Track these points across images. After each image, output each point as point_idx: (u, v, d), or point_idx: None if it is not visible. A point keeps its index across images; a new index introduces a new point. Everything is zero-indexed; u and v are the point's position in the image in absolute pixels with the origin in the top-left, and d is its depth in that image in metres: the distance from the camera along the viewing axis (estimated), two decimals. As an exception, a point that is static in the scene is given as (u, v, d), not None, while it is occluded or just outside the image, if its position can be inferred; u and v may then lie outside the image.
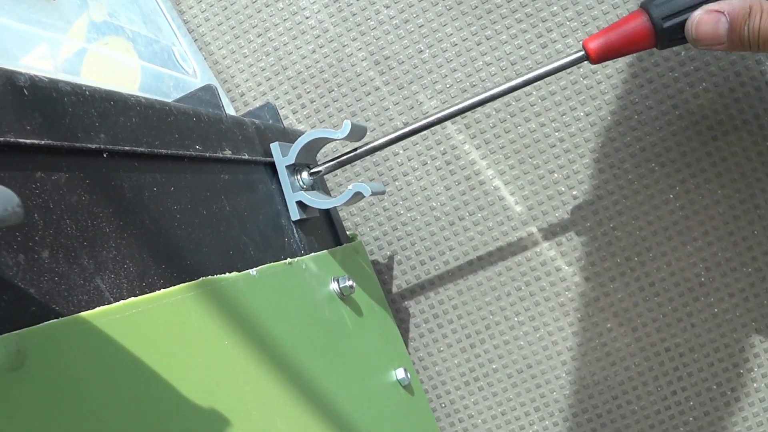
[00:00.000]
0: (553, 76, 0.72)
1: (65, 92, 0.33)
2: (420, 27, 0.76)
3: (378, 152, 0.73)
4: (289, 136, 0.63)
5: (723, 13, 0.51)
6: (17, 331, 0.27)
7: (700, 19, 0.52)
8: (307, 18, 0.78)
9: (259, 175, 0.55)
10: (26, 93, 0.31)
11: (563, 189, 0.75)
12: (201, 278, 0.41)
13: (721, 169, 0.72)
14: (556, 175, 0.75)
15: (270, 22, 0.78)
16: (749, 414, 0.75)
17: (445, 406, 0.81)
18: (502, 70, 0.75)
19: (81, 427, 0.29)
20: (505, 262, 0.77)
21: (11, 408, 0.26)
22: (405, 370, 0.66)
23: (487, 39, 0.75)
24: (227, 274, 0.43)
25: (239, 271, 0.45)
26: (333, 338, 0.56)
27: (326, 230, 0.66)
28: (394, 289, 0.80)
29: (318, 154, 0.66)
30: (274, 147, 0.58)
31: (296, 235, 0.58)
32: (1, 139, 0.29)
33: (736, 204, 0.72)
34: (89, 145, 0.34)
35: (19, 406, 0.27)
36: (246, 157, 0.53)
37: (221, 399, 0.38)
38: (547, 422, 0.79)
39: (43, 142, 0.31)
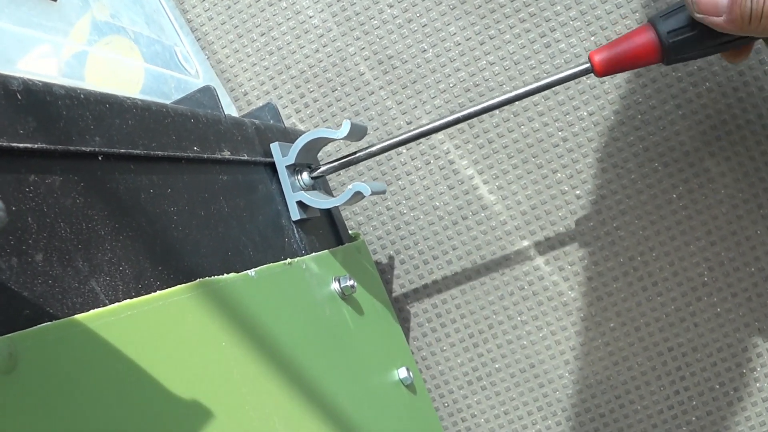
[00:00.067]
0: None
1: (59, 96, 0.34)
2: (423, 26, 0.76)
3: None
4: (289, 136, 0.63)
5: None
6: (10, 335, 0.27)
7: None
8: (310, 17, 0.78)
9: (258, 175, 0.55)
10: (19, 97, 0.31)
11: (566, 188, 0.75)
12: (198, 279, 0.41)
13: (724, 168, 0.72)
14: (559, 174, 0.75)
15: (273, 22, 0.78)
16: (752, 413, 0.75)
17: (448, 405, 0.81)
18: (506, 70, 0.75)
19: (75, 430, 0.29)
20: (508, 261, 0.77)
21: (4, 412, 0.26)
22: (407, 369, 0.66)
23: (491, 38, 0.74)
24: (225, 275, 0.43)
25: (238, 272, 0.45)
26: (334, 338, 0.56)
27: (327, 230, 0.66)
28: (397, 288, 0.80)
29: (320, 154, 0.66)
30: (274, 147, 0.58)
31: (297, 235, 0.58)
32: (-6, 143, 0.29)
33: (739, 204, 0.72)
34: (84, 148, 0.35)
35: (11, 409, 0.27)
36: (245, 157, 0.53)
37: (219, 402, 0.38)
38: (549, 421, 0.79)
39: (36, 145, 0.31)
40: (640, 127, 0.73)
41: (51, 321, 0.30)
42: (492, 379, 0.79)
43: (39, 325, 0.29)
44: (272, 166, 0.58)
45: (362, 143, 0.74)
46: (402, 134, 0.58)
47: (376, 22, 0.77)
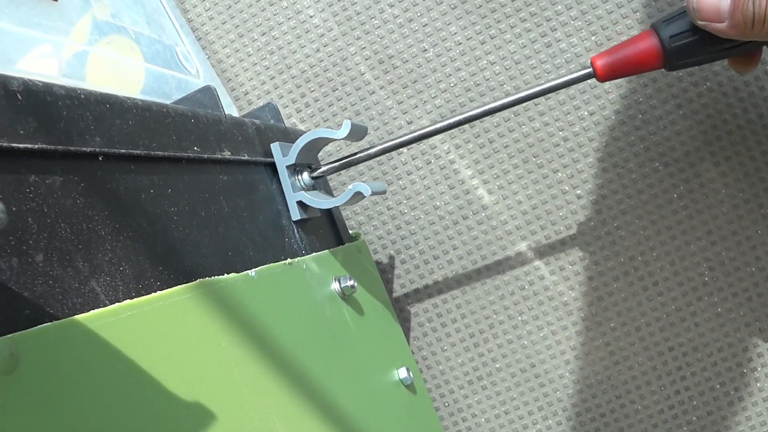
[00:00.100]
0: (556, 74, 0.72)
1: (59, 96, 0.34)
2: (424, 26, 0.76)
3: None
4: (290, 136, 0.63)
5: None
6: (11, 335, 0.27)
7: None
8: (310, 17, 0.78)
9: (259, 175, 0.55)
10: (20, 97, 0.31)
11: (567, 188, 0.75)
12: (199, 280, 0.41)
13: (724, 168, 0.72)
14: (559, 174, 0.75)
15: (273, 21, 0.78)
16: (752, 413, 0.75)
17: (449, 405, 0.81)
18: (506, 69, 0.75)
19: (76, 430, 0.29)
20: (508, 260, 0.77)
21: (4, 412, 0.26)
22: (408, 369, 0.66)
23: (491, 38, 0.74)
24: (225, 275, 0.43)
25: (238, 272, 0.45)
26: (334, 338, 0.56)
27: (328, 230, 0.66)
28: (397, 288, 0.80)
29: (320, 154, 0.66)
30: (275, 147, 0.58)
31: (297, 235, 0.58)
32: (-6, 143, 0.29)
33: (740, 204, 0.72)
34: (84, 149, 0.35)
35: (12, 410, 0.27)
36: (246, 157, 0.53)
37: (219, 403, 0.38)
38: (550, 421, 0.79)
39: (36, 146, 0.31)
40: (640, 127, 0.73)
41: (51, 321, 0.30)
42: (492, 378, 0.79)
43: (40, 326, 0.29)
44: (273, 166, 0.58)
45: (362, 143, 0.74)
46: (403, 136, 0.58)
47: (376, 21, 0.77)
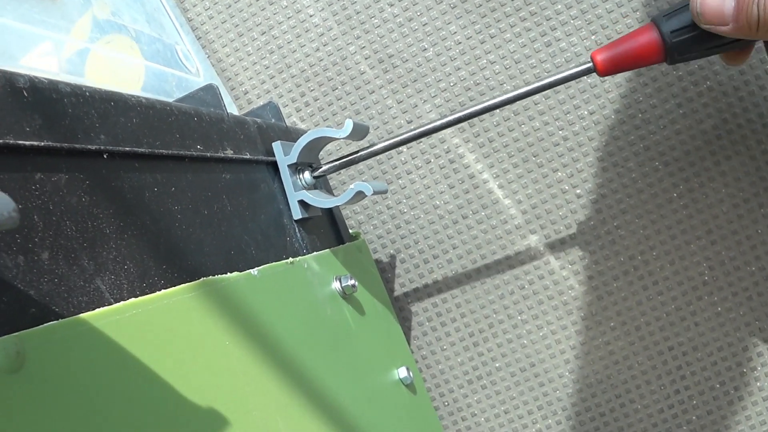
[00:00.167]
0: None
1: (65, 93, 0.34)
2: (423, 25, 0.76)
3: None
4: (291, 135, 0.63)
5: None
6: (17, 333, 0.27)
7: None
8: (310, 16, 0.78)
9: (260, 174, 0.55)
10: (26, 94, 0.31)
11: (566, 188, 0.75)
12: (202, 278, 0.41)
13: (724, 168, 0.72)
14: (559, 173, 0.75)
15: (273, 21, 0.78)
16: (752, 413, 0.75)
17: (448, 404, 0.81)
18: (506, 69, 0.74)
19: (81, 429, 0.29)
20: (508, 260, 0.77)
21: (11, 410, 0.26)
22: (407, 368, 0.66)
23: (491, 37, 0.74)
24: (228, 274, 0.43)
25: (241, 271, 0.45)
26: (335, 337, 0.56)
27: (328, 229, 0.66)
28: (397, 288, 0.80)
29: (320, 153, 0.66)
30: (276, 146, 0.58)
31: (298, 235, 0.58)
32: (1, 141, 0.29)
33: (740, 203, 0.72)
34: (89, 146, 0.35)
35: (19, 408, 0.26)
36: (248, 156, 0.53)
37: (222, 400, 0.38)
38: (549, 421, 0.79)
39: (42, 143, 0.31)
40: (640, 126, 0.73)
41: (57, 319, 0.29)
42: (492, 378, 0.79)
43: (46, 324, 0.29)
44: (274, 165, 0.58)
45: (363, 142, 0.74)
46: (404, 133, 0.58)
47: (376, 20, 0.76)
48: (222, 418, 0.38)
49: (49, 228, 0.31)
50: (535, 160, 0.75)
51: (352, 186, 0.57)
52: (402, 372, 0.66)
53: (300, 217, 0.58)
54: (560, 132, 0.74)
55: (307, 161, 0.60)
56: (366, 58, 0.77)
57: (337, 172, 0.78)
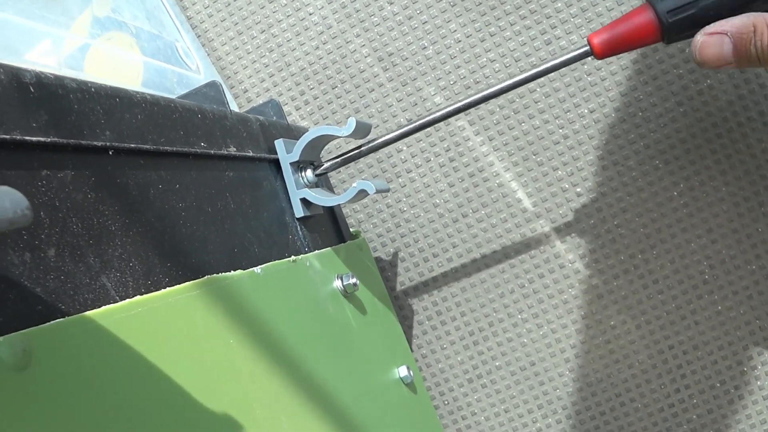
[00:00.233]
0: (556, 73, 0.72)
1: (71, 89, 0.33)
2: (424, 23, 0.75)
3: (382, 149, 0.73)
4: (293, 133, 0.63)
5: (726, 34, 0.49)
6: (23, 331, 0.27)
7: (702, 42, 0.50)
8: (310, 14, 0.77)
9: (263, 172, 0.55)
10: (32, 90, 0.31)
11: (567, 186, 0.75)
12: (206, 276, 0.40)
13: (725, 166, 0.72)
14: (559, 172, 0.75)
15: (274, 18, 0.78)
16: (752, 411, 0.75)
17: (448, 403, 0.80)
18: (506, 67, 0.74)
19: (87, 426, 0.29)
20: (509, 259, 0.77)
21: (18, 408, 0.26)
22: (408, 367, 0.66)
23: (491, 36, 0.74)
24: (232, 272, 0.43)
25: (244, 269, 0.45)
26: (337, 336, 0.56)
27: (330, 227, 0.66)
28: (398, 287, 0.80)
29: (322, 151, 0.66)
30: (279, 144, 0.57)
31: (300, 233, 0.58)
32: (7, 136, 0.29)
33: (740, 201, 0.72)
34: (95, 143, 0.34)
35: (25, 405, 0.26)
36: (250, 154, 0.52)
37: (226, 397, 0.38)
38: (550, 419, 0.79)
39: (49, 139, 0.31)
40: (640, 125, 0.73)
41: (63, 317, 0.29)
42: (492, 377, 0.79)
43: (52, 322, 0.28)
44: (276, 163, 0.57)
45: (365, 141, 0.74)
46: (405, 126, 0.58)
47: (376, 19, 0.76)
48: (225, 415, 0.38)
49: (55, 225, 0.31)
50: (536, 158, 0.75)
51: (354, 184, 0.57)
52: (402, 371, 0.66)
53: (302, 215, 0.58)
54: (561, 130, 0.74)
55: (309, 159, 0.60)
56: (367, 56, 0.77)
57: (337, 171, 0.78)
